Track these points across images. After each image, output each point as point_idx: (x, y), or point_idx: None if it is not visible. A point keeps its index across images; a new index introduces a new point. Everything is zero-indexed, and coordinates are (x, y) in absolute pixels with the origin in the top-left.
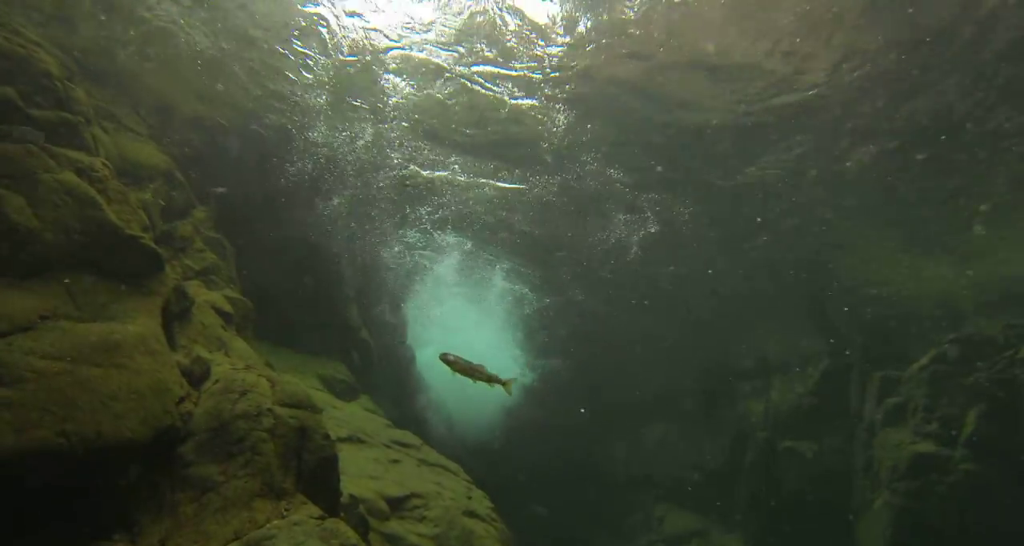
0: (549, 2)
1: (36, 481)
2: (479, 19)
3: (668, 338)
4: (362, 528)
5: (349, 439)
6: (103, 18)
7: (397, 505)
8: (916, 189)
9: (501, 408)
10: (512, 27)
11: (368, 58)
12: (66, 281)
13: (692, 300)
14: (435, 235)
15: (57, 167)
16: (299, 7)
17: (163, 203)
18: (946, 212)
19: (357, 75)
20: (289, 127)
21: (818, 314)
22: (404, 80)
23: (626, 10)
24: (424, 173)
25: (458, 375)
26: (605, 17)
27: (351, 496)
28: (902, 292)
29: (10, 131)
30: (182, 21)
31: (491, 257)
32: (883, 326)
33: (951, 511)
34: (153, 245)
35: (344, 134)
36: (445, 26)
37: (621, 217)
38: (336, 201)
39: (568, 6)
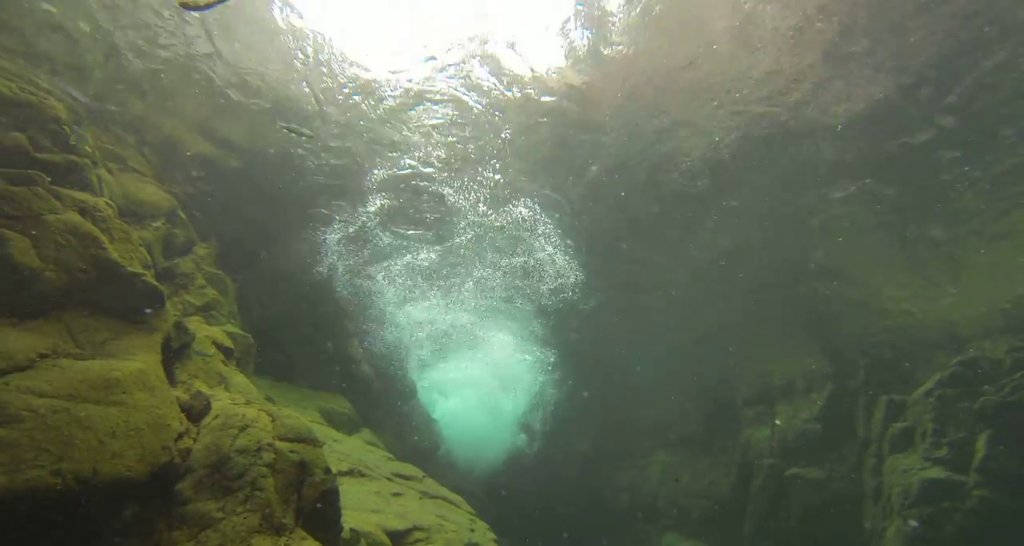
0: None
1: (30, 521)
2: None
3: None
4: None
5: (350, 472)
6: (111, 64)
7: (399, 538)
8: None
9: (504, 441)
10: None
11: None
12: (67, 319)
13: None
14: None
15: (62, 207)
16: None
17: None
18: (952, 233)
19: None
20: (294, 160)
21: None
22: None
23: None
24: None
25: None
26: None
27: (352, 530)
28: (906, 314)
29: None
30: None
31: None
32: (887, 349)
33: (968, 539)
34: (154, 282)
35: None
36: None
37: None
38: (337, 237)
39: None
